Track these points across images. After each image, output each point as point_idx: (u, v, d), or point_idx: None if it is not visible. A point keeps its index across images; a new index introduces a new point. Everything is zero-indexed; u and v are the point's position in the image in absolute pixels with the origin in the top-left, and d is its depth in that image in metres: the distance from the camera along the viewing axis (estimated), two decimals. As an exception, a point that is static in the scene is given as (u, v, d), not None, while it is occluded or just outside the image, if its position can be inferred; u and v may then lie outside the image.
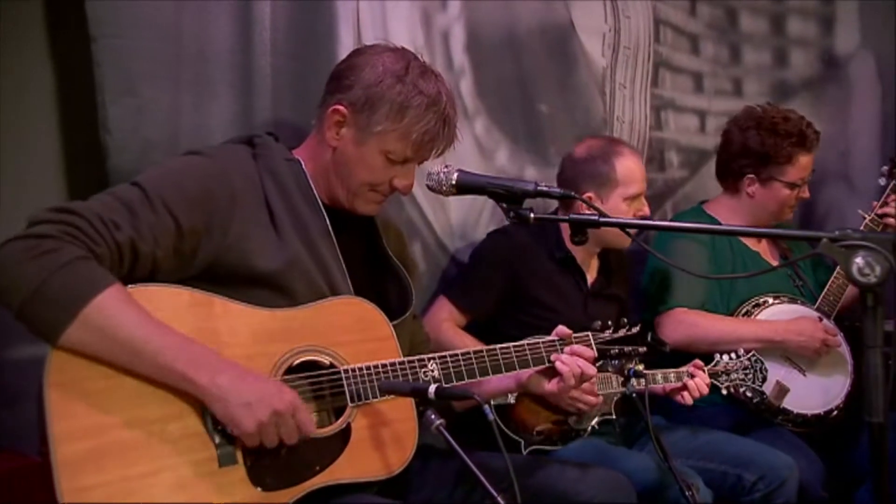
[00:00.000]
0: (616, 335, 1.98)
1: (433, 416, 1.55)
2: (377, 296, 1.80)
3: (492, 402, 1.95)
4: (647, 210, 2.49)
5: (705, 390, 2.26)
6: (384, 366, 1.67)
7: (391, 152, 1.75)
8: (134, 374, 1.46)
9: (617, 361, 2.00)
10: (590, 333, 1.94)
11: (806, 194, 2.78)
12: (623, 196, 2.41)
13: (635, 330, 2.00)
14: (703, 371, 2.30)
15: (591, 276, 2.54)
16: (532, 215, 1.65)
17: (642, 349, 1.99)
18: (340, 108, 1.75)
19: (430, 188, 1.74)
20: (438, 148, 1.78)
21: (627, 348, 1.97)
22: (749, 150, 2.76)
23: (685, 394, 2.25)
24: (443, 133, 1.75)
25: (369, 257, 1.91)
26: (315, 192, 1.77)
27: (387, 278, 1.92)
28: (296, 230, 1.70)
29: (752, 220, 2.81)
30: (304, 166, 1.78)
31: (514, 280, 2.41)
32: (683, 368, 2.30)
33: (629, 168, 2.43)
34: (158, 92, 1.99)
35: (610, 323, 1.98)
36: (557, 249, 2.46)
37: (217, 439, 1.50)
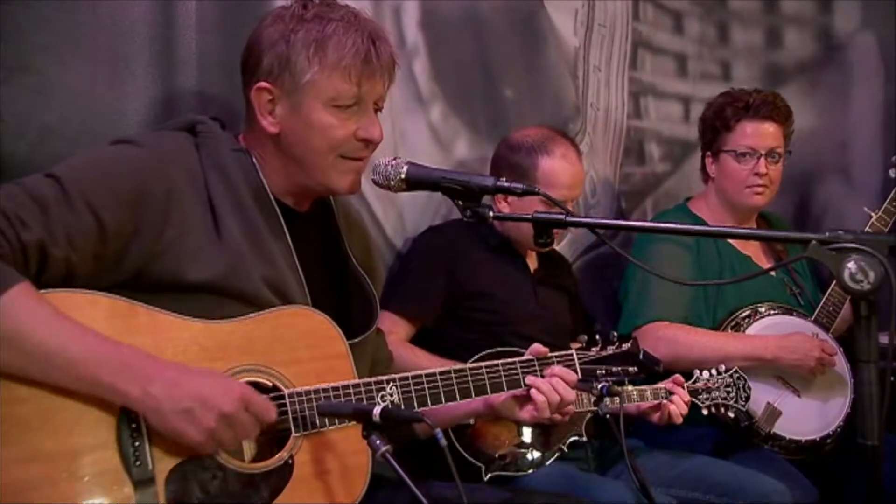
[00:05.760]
0: (604, 353, 1.92)
1: (379, 442, 1.54)
2: (338, 308, 1.77)
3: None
4: None
5: (685, 410, 2.27)
6: (335, 389, 1.64)
7: (335, 98, 1.71)
8: (37, 397, 1.41)
9: (604, 385, 1.94)
10: (574, 353, 1.91)
11: (763, 170, 2.76)
12: (540, 199, 2.29)
13: (626, 346, 1.94)
14: (683, 388, 2.31)
15: (532, 264, 2.60)
16: (491, 213, 1.65)
17: (632, 369, 1.95)
18: (262, 85, 1.72)
19: (376, 183, 1.72)
20: (381, 69, 1.73)
21: (616, 368, 1.93)
22: (704, 126, 2.87)
23: (660, 415, 2.26)
24: (375, 49, 1.71)
25: (330, 263, 1.89)
26: (267, 187, 1.74)
27: (349, 288, 1.89)
28: (242, 231, 1.67)
29: (729, 212, 2.85)
30: (253, 157, 1.75)
31: (454, 275, 2.44)
32: (661, 385, 2.31)
33: (553, 170, 2.43)
34: (61, 69, 1.95)
35: (598, 338, 1.94)
36: (491, 236, 2.51)
37: (135, 476, 1.46)
